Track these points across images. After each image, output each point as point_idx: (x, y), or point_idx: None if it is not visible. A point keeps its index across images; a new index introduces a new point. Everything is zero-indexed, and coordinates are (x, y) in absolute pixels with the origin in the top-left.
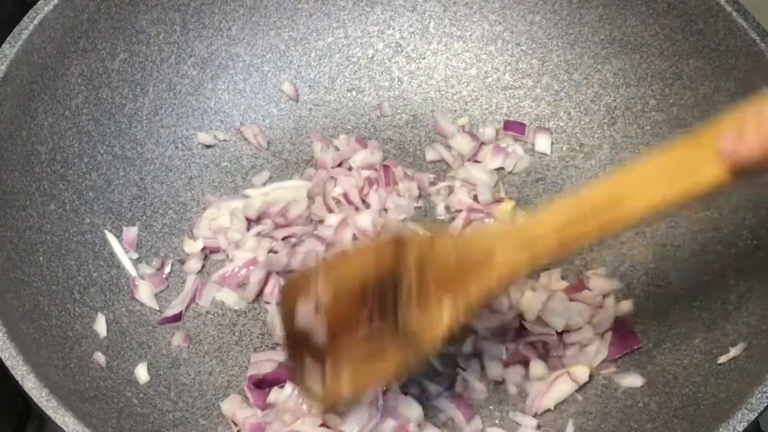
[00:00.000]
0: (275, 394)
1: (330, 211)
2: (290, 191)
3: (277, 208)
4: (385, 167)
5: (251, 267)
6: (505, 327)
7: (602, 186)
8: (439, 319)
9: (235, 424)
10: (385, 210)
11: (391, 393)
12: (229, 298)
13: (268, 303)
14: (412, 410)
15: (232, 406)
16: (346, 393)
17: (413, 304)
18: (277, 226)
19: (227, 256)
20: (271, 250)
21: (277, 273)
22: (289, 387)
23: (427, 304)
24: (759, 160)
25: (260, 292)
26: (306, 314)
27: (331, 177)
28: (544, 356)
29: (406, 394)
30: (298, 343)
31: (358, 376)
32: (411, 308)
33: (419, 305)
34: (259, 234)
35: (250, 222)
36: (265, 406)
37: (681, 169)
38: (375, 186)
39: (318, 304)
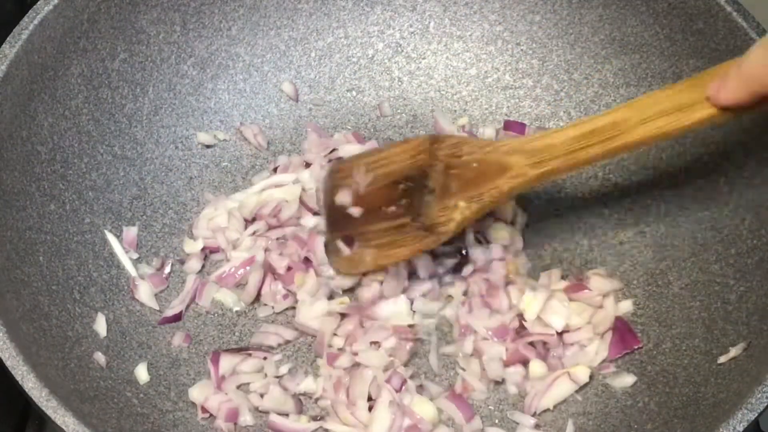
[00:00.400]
0: (229, 363)
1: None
2: (282, 191)
3: (268, 209)
4: None
5: (248, 267)
6: (505, 327)
7: (607, 114)
8: (454, 215)
9: (205, 411)
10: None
11: (407, 392)
12: (228, 298)
13: (266, 305)
14: (426, 410)
15: (203, 392)
16: (367, 266)
17: (436, 200)
18: (270, 227)
19: (226, 256)
20: (266, 249)
21: (273, 275)
22: (254, 360)
23: (447, 201)
24: (738, 101)
25: (259, 294)
26: (344, 196)
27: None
28: (544, 356)
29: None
30: (334, 217)
31: (378, 256)
32: (434, 203)
33: (440, 201)
34: (254, 233)
35: (247, 221)
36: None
37: (676, 106)
38: None
39: (356, 190)
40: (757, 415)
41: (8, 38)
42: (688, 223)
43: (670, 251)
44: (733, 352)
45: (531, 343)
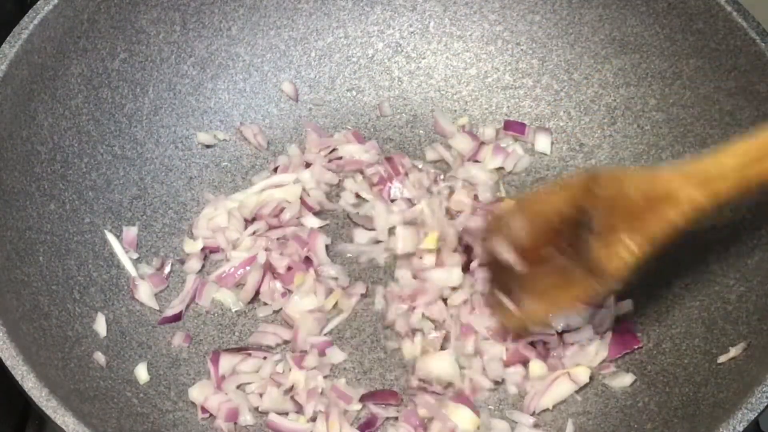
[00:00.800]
0: (228, 363)
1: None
2: (283, 191)
3: (269, 209)
4: (389, 159)
5: (247, 267)
6: (506, 327)
7: None
8: (623, 253)
9: (205, 411)
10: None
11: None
12: (227, 298)
13: (266, 304)
14: (463, 417)
15: (203, 392)
16: (536, 319)
17: (599, 239)
18: (271, 227)
19: (226, 256)
20: (266, 249)
21: (273, 274)
22: (254, 360)
23: (613, 238)
24: None
25: (257, 294)
26: (503, 248)
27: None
28: (545, 356)
29: None
30: (495, 273)
31: (545, 304)
32: (599, 242)
33: (606, 239)
34: (255, 233)
35: (247, 221)
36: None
37: None
38: (385, 181)
39: (514, 240)
40: (757, 415)
41: (8, 38)
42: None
43: (670, 251)
44: (733, 352)
45: (531, 343)
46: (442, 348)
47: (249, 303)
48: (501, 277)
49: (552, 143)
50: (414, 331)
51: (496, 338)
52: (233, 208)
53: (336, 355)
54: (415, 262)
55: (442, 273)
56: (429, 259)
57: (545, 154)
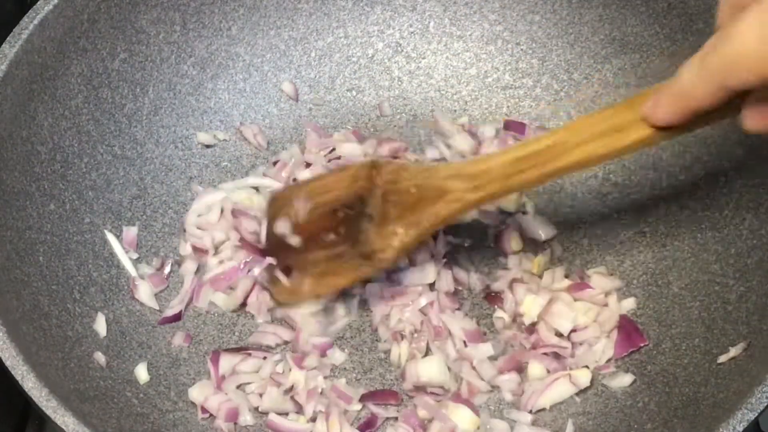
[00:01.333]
0: (228, 363)
1: None
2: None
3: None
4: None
5: (240, 273)
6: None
7: (544, 137)
8: (393, 242)
9: (205, 411)
10: None
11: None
12: (220, 300)
13: (251, 318)
14: (462, 417)
15: (203, 392)
16: (305, 297)
17: (375, 227)
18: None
19: (208, 260)
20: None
21: (263, 286)
22: (254, 360)
23: (385, 228)
24: (672, 120)
25: (245, 302)
26: (283, 226)
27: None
28: (554, 358)
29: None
30: (274, 246)
31: (316, 285)
32: (372, 230)
33: (380, 226)
34: (240, 241)
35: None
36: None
37: (612, 127)
38: None
39: (295, 219)
40: (757, 415)
41: (8, 38)
42: (688, 223)
43: (670, 251)
44: (733, 352)
45: (544, 354)
46: (428, 352)
47: (235, 311)
48: (281, 254)
49: None
50: (400, 335)
51: (474, 340)
52: (225, 198)
53: (337, 356)
54: None
55: (415, 273)
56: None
57: None
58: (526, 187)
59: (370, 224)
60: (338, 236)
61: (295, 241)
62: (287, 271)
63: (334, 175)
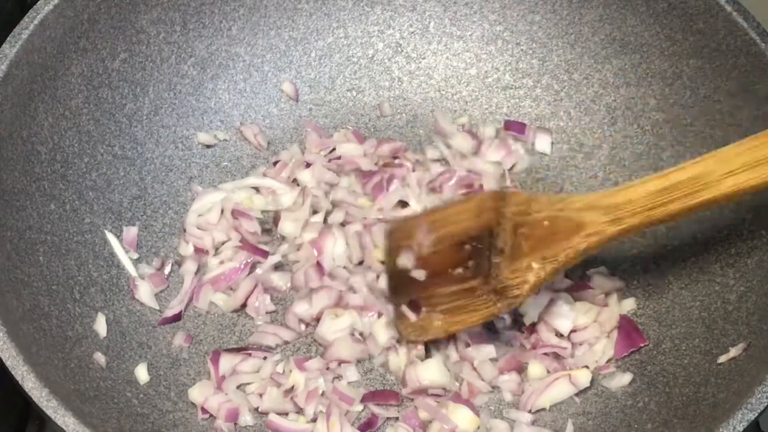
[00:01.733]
0: (228, 363)
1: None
2: (263, 200)
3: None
4: (394, 157)
5: (240, 274)
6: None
7: (688, 167)
8: (528, 278)
9: (206, 412)
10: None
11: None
12: (221, 301)
13: (251, 318)
14: (463, 417)
15: (203, 392)
16: (436, 333)
17: (507, 260)
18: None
19: (208, 261)
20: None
21: (265, 289)
22: (254, 360)
23: (518, 262)
24: None
25: (245, 303)
26: (406, 259)
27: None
28: (554, 359)
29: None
30: (397, 280)
31: (447, 322)
32: (504, 264)
33: (511, 262)
34: (241, 242)
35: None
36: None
37: (761, 158)
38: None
39: (418, 252)
40: (757, 415)
41: (8, 38)
42: (688, 223)
43: (670, 251)
44: (733, 352)
45: (544, 354)
46: (427, 354)
47: (235, 311)
48: (405, 288)
49: (552, 143)
50: (397, 342)
51: (479, 341)
52: (225, 198)
53: (351, 374)
54: (368, 275)
55: None
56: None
57: (545, 154)
58: (668, 220)
59: (501, 258)
60: (467, 271)
61: (419, 275)
62: (414, 307)
63: (456, 206)
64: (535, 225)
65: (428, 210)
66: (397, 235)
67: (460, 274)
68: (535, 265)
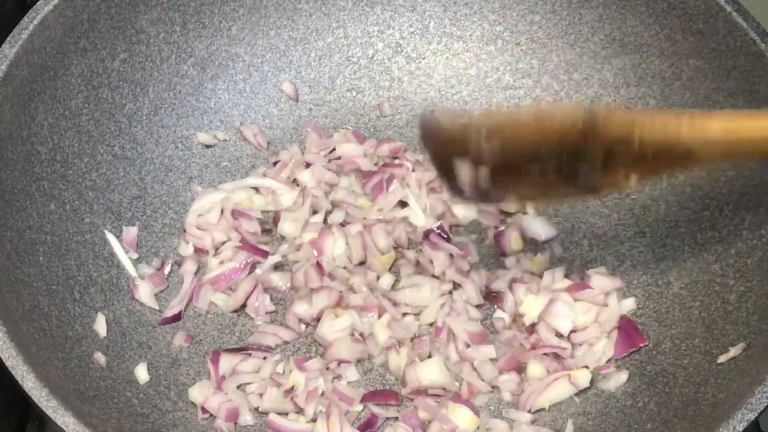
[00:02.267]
0: (228, 363)
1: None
2: (263, 200)
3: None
4: (395, 157)
5: (240, 274)
6: (484, 334)
7: None
8: (629, 183)
9: (206, 412)
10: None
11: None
12: (221, 301)
13: (251, 318)
14: (462, 417)
15: (203, 392)
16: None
17: (597, 170)
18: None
19: (208, 261)
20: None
21: (265, 289)
22: (254, 360)
23: (613, 172)
24: None
25: (245, 303)
26: (464, 171)
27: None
28: (555, 356)
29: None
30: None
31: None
32: (594, 174)
33: (605, 172)
34: (241, 242)
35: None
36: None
37: None
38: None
39: (479, 166)
40: (757, 415)
41: (8, 38)
42: (688, 223)
43: (670, 251)
44: (733, 352)
45: (544, 354)
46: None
47: (235, 311)
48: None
49: None
50: (398, 342)
51: (478, 341)
52: (225, 198)
53: (351, 374)
54: (369, 275)
55: (411, 294)
56: (387, 279)
57: None
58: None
59: (590, 168)
60: (542, 172)
61: (482, 173)
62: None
63: (530, 121)
64: (632, 146)
65: (495, 117)
66: (444, 139)
67: (534, 172)
68: (634, 176)
